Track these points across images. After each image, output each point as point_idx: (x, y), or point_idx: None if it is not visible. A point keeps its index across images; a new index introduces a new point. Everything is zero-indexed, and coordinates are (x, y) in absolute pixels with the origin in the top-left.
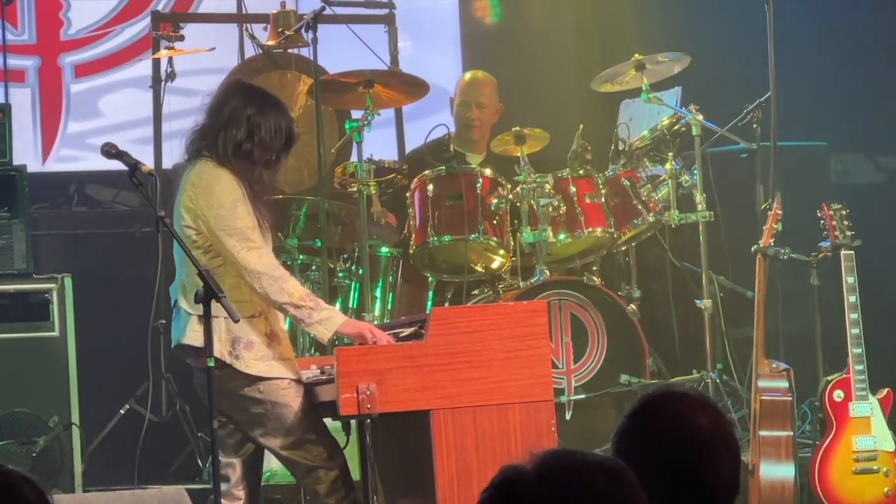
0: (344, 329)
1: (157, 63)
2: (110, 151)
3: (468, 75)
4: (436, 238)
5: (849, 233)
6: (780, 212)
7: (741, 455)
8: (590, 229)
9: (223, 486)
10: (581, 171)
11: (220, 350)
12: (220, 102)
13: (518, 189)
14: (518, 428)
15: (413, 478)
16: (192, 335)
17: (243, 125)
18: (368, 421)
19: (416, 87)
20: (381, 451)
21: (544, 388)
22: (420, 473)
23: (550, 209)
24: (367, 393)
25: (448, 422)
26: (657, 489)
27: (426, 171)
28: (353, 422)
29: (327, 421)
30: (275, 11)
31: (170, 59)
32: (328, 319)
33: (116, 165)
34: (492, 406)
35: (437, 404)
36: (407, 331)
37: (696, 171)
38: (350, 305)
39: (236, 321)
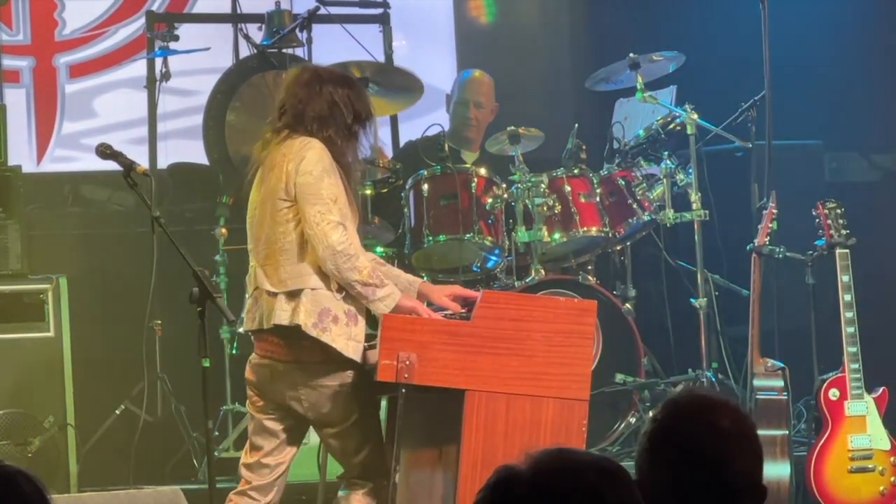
0: (402, 302)
1: (151, 63)
2: (105, 152)
3: (466, 73)
4: (431, 237)
5: (844, 231)
6: (775, 210)
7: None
8: (585, 229)
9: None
10: (576, 171)
11: (305, 321)
12: (303, 89)
13: (513, 188)
14: (549, 422)
15: (438, 453)
16: (281, 314)
17: (326, 103)
18: (404, 391)
19: (410, 83)
20: (409, 421)
21: (581, 386)
22: (445, 451)
23: (545, 209)
24: (407, 363)
25: (482, 405)
26: (681, 490)
27: (421, 171)
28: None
29: None
30: (269, 11)
31: (164, 59)
32: (389, 296)
33: (111, 166)
34: (527, 397)
35: (474, 385)
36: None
37: (691, 170)
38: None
39: (231, 321)
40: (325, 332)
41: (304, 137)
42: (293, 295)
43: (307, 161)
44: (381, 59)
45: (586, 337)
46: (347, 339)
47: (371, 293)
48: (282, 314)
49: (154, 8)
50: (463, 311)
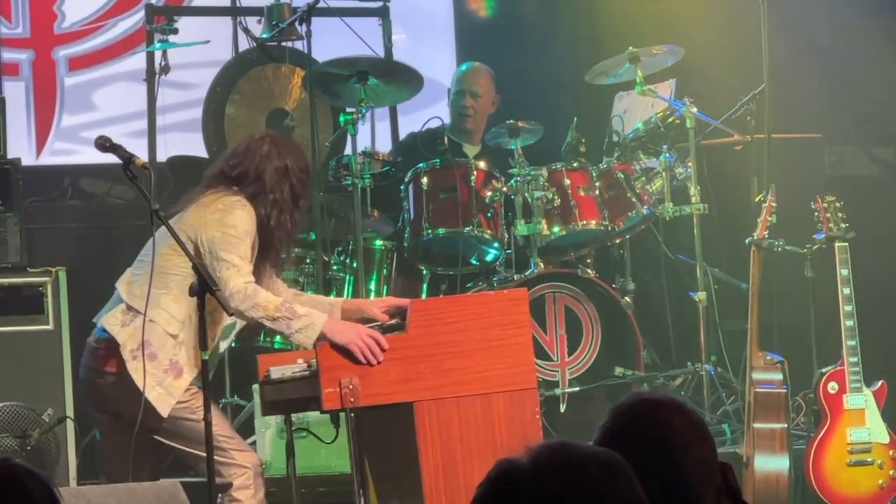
0: (329, 332)
1: (151, 56)
2: (104, 145)
3: (464, 65)
4: (430, 231)
5: (843, 225)
6: (774, 204)
7: (714, 442)
8: (584, 222)
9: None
10: (575, 164)
11: (124, 341)
12: (250, 154)
13: (512, 182)
14: (503, 417)
15: (401, 469)
16: (112, 320)
17: (273, 174)
18: (352, 415)
19: (409, 76)
20: (370, 443)
21: (528, 376)
22: (407, 465)
23: (545, 202)
24: (350, 387)
25: (432, 413)
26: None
27: (421, 164)
28: (342, 415)
29: (315, 414)
30: (268, 4)
31: (164, 52)
32: (308, 326)
33: (111, 159)
34: (475, 396)
35: (421, 396)
36: (389, 322)
37: (689, 164)
38: (345, 299)
39: (230, 314)
40: (134, 360)
41: (241, 198)
42: (131, 311)
43: (235, 217)
44: (381, 52)
45: (522, 325)
46: (157, 383)
47: (285, 326)
48: (113, 321)
49: (153, 1)
50: (395, 321)
